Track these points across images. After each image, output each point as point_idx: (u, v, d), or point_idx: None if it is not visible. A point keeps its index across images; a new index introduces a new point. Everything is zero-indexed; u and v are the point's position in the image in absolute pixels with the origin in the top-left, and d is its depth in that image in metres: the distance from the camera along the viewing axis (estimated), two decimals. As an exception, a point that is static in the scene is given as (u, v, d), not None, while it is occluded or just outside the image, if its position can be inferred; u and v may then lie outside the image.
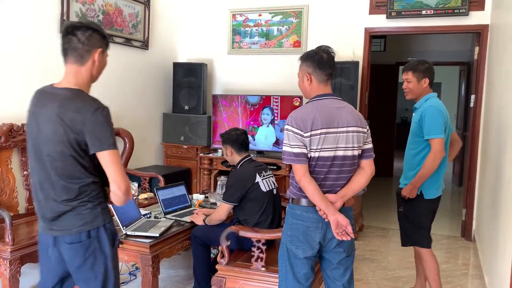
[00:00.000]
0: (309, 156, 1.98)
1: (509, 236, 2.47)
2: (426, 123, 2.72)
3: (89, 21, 1.82)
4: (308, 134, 1.95)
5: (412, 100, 2.94)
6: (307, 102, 2.10)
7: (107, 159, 1.69)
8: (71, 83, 1.76)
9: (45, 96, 1.76)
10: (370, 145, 2.11)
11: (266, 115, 4.74)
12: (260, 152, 4.77)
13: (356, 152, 2.04)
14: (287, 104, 4.60)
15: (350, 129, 2.02)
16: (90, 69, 1.78)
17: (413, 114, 2.93)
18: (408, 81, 2.88)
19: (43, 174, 1.75)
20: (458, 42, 7.87)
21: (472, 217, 4.47)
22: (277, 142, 4.68)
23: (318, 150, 1.97)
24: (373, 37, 4.82)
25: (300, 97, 4.55)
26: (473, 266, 3.79)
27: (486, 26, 4.30)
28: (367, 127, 2.10)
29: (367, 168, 2.09)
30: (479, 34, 4.39)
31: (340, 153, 2.00)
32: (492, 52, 4.10)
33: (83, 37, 1.74)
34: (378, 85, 6.72)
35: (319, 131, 1.96)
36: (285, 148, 2.01)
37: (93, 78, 1.83)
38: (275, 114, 4.67)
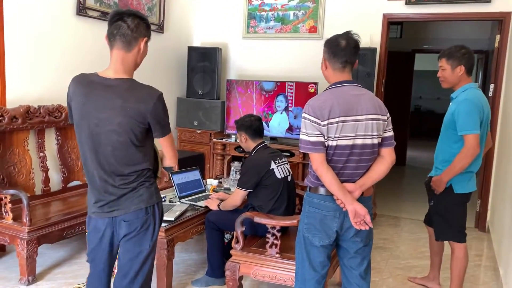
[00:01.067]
0: (326, 145, 1.95)
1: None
2: (460, 118, 2.58)
3: (135, 10, 1.86)
4: (326, 122, 1.92)
5: (449, 88, 2.76)
6: (325, 89, 2.07)
7: (167, 142, 1.91)
8: (119, 71, 1.80)
9: (98, 87, 1.78)
10: (390, 133, 2.06)
11: (280, 102, 4.71)
12: (273, 139, 4.75)
13: (375, 141, 2.00)
14: (302, 90, 4.56)
15: (370, 116, 1.98)
16: (135, 56, 1.84)
17: (450, 103, 2.79)
18: (442, 68, 2.74)
19: (101, 163, 1.81)
20: (476, 30, 7.71)
21: (487, 208, 4.42)
22: (291, 129, 4.66)
23: (336, 139, 1.94)
24: (390, 24, 4.73)
25: (315, 84, 4.50)
26: (487, 257, 3.76)
27: (509, 13, 4.19)
28: (388, 115, 2.05)
29: (388, 156, 2.05)
30: (501, 21, 4.28)
31: (359, 141, 1.97)
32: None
33: (133, 24, 1.79)
34: (393, 72, 6.63)
35: (336, 119, 1.92)
36: (301, 137, 1.99)
37: (137, 65, 1.89)
38: (289, 101, 4.64)
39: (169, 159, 1.96)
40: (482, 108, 2.62)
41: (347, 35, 2.04)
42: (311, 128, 1.95)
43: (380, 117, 2.01)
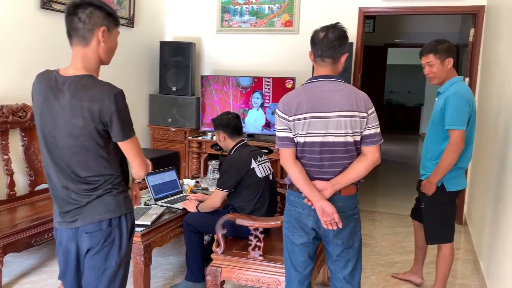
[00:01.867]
0: (296, 141, 1.93)
1: None
2: (448, 112, 2.51)
3: None
4: (292, 118, 1.90)
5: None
6: (302, 84, 2.00)
7: (129, 148, 1.67)
8: (78, 68, 1.63)
9: (55, 86, 1.61)
10: (373, 130, 1.95)
11: (256, 98, 4.61)
12: (250, 135, 4.65)
13: (350, 138, 1.90)
14: (279, 86, 4.47)
15: (343, 113, 1.88)
16: (96, 50, 1.65)
17: (436, 99, 2.73)
18: (430, 64, 2.64)
19: (61, 168, 1.65)
20: (446, 23, 7.81)
21: (464, 201, 4.46)
22: (268, 125, 4.57)
23: (304, 135, 1.90)
24: (365, 18, 4.69)
25: (293, 79, 4.42)
26: (465, 250, 3.78)
27: (482, 7, 4.22)
28: (369, 111, 1.93)
29: (369, 155, 1.95)
30: (475, 15, 4.31)
31: (330, 139, 1.90)
32: (489, 34, 4.02)
33: (83, 15, 1.60)
34: (367, 67, 6.65)
35: (303, 116, 1.88)
36: (276, 133, 1.99)
37: (102, 60, 1.70)
38: (266, 97, 4.54)
39: (134, 168, 1.71)
40: (472, 103, 2.58)
41: (329, 27, 1.94)
42: (280, 124, 1.94)
43: (356, 113, 1.90)
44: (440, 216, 2.72)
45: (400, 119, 13.05)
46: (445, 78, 2.67)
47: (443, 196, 2.66)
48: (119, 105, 1.59)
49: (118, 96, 1.59)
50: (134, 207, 2.79)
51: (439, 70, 2.64)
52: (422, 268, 3.13)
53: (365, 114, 1.92)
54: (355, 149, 1.95)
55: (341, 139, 1.90)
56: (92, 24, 1.61)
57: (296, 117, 1.89)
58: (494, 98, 3.40)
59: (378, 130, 1.98)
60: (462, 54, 5.20)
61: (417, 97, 12.71)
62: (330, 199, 1.92)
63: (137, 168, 1.71)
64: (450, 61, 2.63)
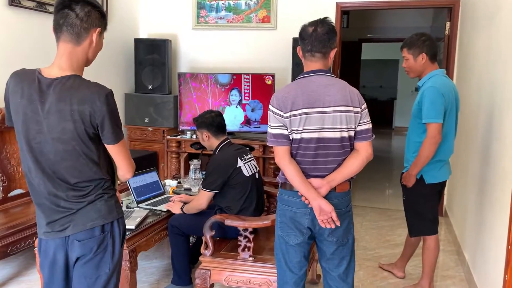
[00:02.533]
0: (291, 138, 1.87)
1: (498, 213, 2.44)
2: (424, 105, 2.55)
3: None
4: (288, 114, 1.85)
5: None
6: (294, 80, 1.96)
7: (118, 150, 1.60)
8: (65, 68, 1.53)
9: (39, 88, 1.49)
10: (366, 126, 1.94)
11: (234, 96, 4.54)
12: (230, 133, 4.57)
13: (345, 134, 1.89)
14: (259, 83, 4.42)
15: (338, 108, 1.85)
16: (86, 50, 1.57)
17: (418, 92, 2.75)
18: (406, 59, 2.72)
19: (47, 175, 1.54)
20: (419, 18, 7.92)
21: (443, 192, 4.51)
22: (248, 122, 4.51)
23: (300, 131, 1.85)
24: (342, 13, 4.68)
25: (272, 75, 4.37)
26: (448, 242, 3.82)
27: (458, 1, 4.27)
28: (362, 106, 1.93)
29: (362, 150, 1.94)
30: (450, 9, 4.36)
31: (326, 134, 1.86)
32: (465, 27, 4.07)
33: (82, 12, 1.52)
34: (342, 62, 6.67)
35: (299, 111, 1.84)
36: (268, 129, 1.93)
37: (88, 61, 1.62)
38: (246, 94, 4.48)
39: (121, 171, 1.64)
40: (449, 96, 2.58)
41: (317, 22, 1.92)
42: (274, 121, 1.89)
43: (351, 109, 1.88)
44: (420, 208, 2.75)
45: (373, 113, 13.14)
46: (421, 72, 2.71)
47: (422, 189, 2.69)
48: (111, 106, 1.52)
49: (109, 96, 1.52)
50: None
51: (413, 65, 2.70)
52: (405, 265, 3.16)
53: (359, 110, 1.91)
54: (349, 145, 1.93)
55: (336, 134, 1.87)
56: (89, 23, 1.54)
57: (293, 113, 1.84)
58: (474, 91, 3.44)
59: (370, 125, 1.97)
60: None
61: (389, 91, 12.89)
62: (326, 197, 1.88)
63: (125, 171, 1.65)
64: (423, 57, 2.65)
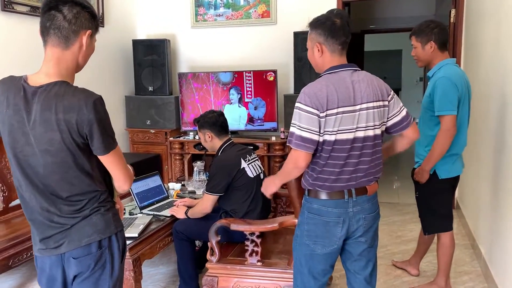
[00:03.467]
0: (322, 140, 1.71)
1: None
2: (437, 97, 2.42)
3: None
4: (324, 114, 1.68)
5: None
6: (321, 76, 1.79)
7: (111, 160, 1.48)
8: (52, 75, 1.42)
9: (24, 97, 1.39)
10: (404, 113, 1.84)
11: (232, 95, 4.45)
12: (234, 133, 4.48)
13: (378, 131, 1.78)
14: (261, 79, 4.32)
15: (370, 104, 1.74)
16: (76, 54, 1.46)
17: (428, 83, 2.64)
18: (414, 47, 2.60)
19: (38, 190, 1.44)
20: (421, 7, 7.79)
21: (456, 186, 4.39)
22: (252, 120, 4.41)
23: (335, 133, 1.70)
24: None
25: (274, 71, 4.27)
26: (462, 235, 3.71)
27: (462, -13, 4.15)
28: (390, 96, 1.81)
29: (411, 134, 1.89)
30: (455, -5, 4.23)
31: (360, 134, 1.74)
32: (471, 14, 3.94)
33: (70, 14, 1.41)
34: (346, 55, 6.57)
35: (335, 111, 1.68)
36: (292, 129, 1.72)
37: (79, 66, 1.51)
38: (248, 92, 4.38)
39: (118, 182, 1.52)
40: (461, 86, 2.47)
41: (339, 14, 1.79)
42: (307, 121, 1.68)
43: (381, 103, 1.78)
44: (434, 204, 2.64)
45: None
46: (429, 61, 2.59)
47: (436, 184, 2.57)
48: (99, 113, 1.40)
49: (98, 102, 1.40)
50: (119, 219, 2.62)
51: (421, 53, 2.58)
52: (419, 261, 3.05)
53: (387, 102, 1.80)
54: (380, 143, 1.82)
55: (369, 133, 1.75)
56: (78, 25, 1.43)
57: (329, 112, 1.68)
58: (482, 80, 3.32)
59: (405, 110, 1.87)
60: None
61: (394, 82, 12.69)
62: (358, 201, 1.78)
63: (121, 182, 1.52)
64: (432, 45, 2.54)
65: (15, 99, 1.41)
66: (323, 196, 1.79)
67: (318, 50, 1.79)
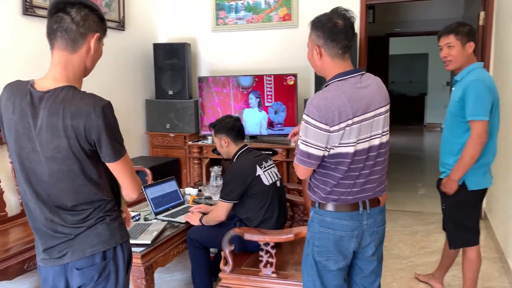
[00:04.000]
0: (344, 152, 1.60)
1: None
2: (469, 101, 2.27)
3: None
4: (336, 127, 1.57)
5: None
6: (328, 84, 1.68)
7: (120, 168, 1.44)
8: (58, 79, 1.39)
9: (30, 103, 1.36)
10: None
11: (250, 99, 4.38)
12: (253, 137, 4.42)
13: (387, 137, 1.71)
14: (281, 84, 4.24)
15: (383, 110, 1.67)
16: (83, 58, 1.43)
17: (453, 88, 2.50)
18: (450, 45, 2.41)
19: (42, 199, 1.41)
20: (448, 9, 7.59)
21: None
22: (272, 125, 4.33)
23: (354, 144, 1.60)
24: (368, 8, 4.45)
25: (294, 75, 4.19)
26: (489, 248, 3.54)
27: (492, -12, 3.98)
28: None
29: None
30: (484, -2, 4.07)
31: (375, 142, 1.65)
32: (502, 16, 3.78)
33: (78, 16, 1.38)
34: (369, 57, 6.44)
35: (350, 121, 1.58)
36: (300, 145, 1.64)
37: (87, 70, 1.47)
38: (269, 96, 4.31)
39: (126, 190, 1.48)
40: (494, 90, 2.34)
41: (341, 14, 1.66)
42: (314, 137, 1.59)
43: (388, 107, 1.71)
44: (462, 217, 2.49)
45: (402, 109, 12.82)
46: (463, 64, 2.44)
47: (464, 196, 2.42)
48: (108, 119, 1.36)
49: (106, 108, 1.36)
50: (133, 224, 2.59)
51: (459, 53, 2.41)
52: (444, 275, 2.91)
53: (388, 106, 1.73)
54: (388, 150, 1.74)
55: (383, 139, 1.68)
56: (86, 28, 1.40)
57: (342, 125, 1.57)
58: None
59: None
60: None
61: (419, 86, 12.45)
62: (372, 214, 1.71)
63: (129, 190, 1.49)
64: (471, 46, 2.40)
65: (21, 104, 1.38)
66: (337, 208, 1.70)
67: (318, 53, 1.69)
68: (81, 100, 1.35)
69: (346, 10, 1.68)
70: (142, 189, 2.88)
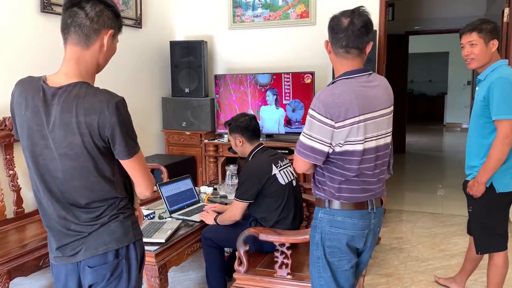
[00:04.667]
0: (352, 150, 1.58)
1: None
2: (494, 100, 2.19)
3: None
4: (341, 124, 1.55)
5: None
6: (335, 81, 1.66)
7: (134, 165, 1.42)
8: (72, 75, 1.37)
9: (43, 99, 1.35)
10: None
11: (268, 96, 4.34)
12: (269, 136, 4.37)
13: (390, 138, 1.72)
14: (298, 81, 4.19)
15: (388, 110, 1.68)
16: (96, 54, 1.40)
17: (476, 88, 2.42)
18: (473, 43, 2.33)
19: (55, 196, 1.40)
20: (470, 6, 7.42)
21: None
22: (289, 123, 4.28)
23: (362, 142, 1.58)
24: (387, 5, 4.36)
25: (312, 73, 4.13)
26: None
27: (517, -16, 3.86)
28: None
29: None
30: (509, -7, 3.95)
31: (381, 141, 1.66)
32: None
33: (93, 11, 1.36)
34: (388, 55, 6.33)
35: (357, 119, 1.57)
36: (302, 138, 1.62)
37: (99, 67, 1.45)
38: (286, 94, 4.26)
39: (139, 188, 1.46)
40: None
41: (353, 13, 1.63)
42: (319, 132, 1.57)
43: (392, 108, 1.71)
44: (490, 221, 2.40)
45: (421, 109, 12.64)
46: (486, 62, 2.35)
47: (492, 199, 2.33)
48: (122, 116, 1.33)
49: (120, 104, 1.33)
50: (147, 222, 2.57)
51: (482, 51, 2.32)
52: (466, 279, 2.82)
53: (392, 107, 1.72)
54: (390, 151, 1.74)
55: (388, 140, 1.68)
56: (100, 24, 1.37)
57: (348, 121, 1.56)
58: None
59: None
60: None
61: (439, 85, 12.26)
62: (377, 214, 1.72)
63: (142, 188, 1.46)
64: (494, 44, 2.31)
65: (34, 100, 1.36)
66: (349, 207, 1.66)
67: (327, 48, 1.71)
68: (95, 96, 1.33)
69: (361, 11, 1.64)
70: (157, 187, 2.87)
